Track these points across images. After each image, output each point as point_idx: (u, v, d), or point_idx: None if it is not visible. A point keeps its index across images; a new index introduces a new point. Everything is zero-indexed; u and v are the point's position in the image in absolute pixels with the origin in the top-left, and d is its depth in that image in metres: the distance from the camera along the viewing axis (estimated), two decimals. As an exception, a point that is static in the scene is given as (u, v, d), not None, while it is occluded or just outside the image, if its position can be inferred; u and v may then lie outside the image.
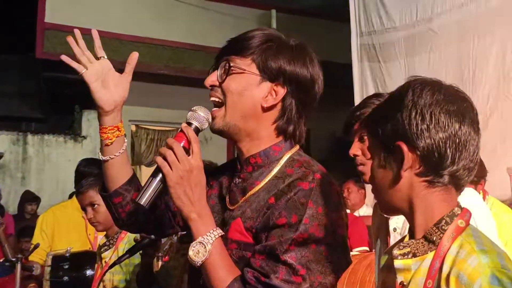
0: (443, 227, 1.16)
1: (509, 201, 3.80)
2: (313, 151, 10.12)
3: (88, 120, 9.86)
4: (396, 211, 1.27)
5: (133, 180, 1.69)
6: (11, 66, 11.74)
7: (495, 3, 4.36)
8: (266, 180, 1.47)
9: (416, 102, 1.17)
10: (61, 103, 10.57)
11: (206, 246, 1.36)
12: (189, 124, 1.45)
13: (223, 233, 1.42)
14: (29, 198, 7.15)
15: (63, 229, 4.03)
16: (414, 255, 1.19)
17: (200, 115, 1.46)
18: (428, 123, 1.15)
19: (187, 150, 1.40)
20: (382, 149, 1.21)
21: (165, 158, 1.38)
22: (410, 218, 1.22)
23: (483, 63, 4.34)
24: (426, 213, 1.19)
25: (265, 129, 1.50)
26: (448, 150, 1.15)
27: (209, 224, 1.40)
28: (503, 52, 4.22)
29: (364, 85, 5.84)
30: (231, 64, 1.48)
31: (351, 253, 3.72)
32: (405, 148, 1.17)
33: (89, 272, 3.23)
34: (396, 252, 1.21)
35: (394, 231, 1.97)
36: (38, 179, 9.30)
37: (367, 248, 4.35)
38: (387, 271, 1.30)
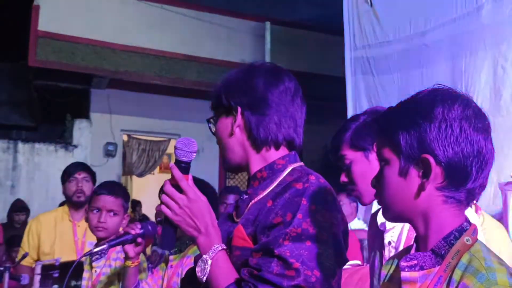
0: (452, 241, 1.16)
1: (500, 216, 3.81)
2: (305, 164, 10.09)
3: (80, 129, 9.81)
4: (404, 220, 1.26)
5: None
6: (2, 74, 11.69)
7: (487, 19, 4.39)
8: (269, 189, 1.52)
9: (446, 114, 1.15)
10: (52, 111, 10.53)
11: (206, 262, 1.44)
12: (178, 162, 1.53)
13: (224, 247, 1.47)
14: (18, 208, 7.08)
15: (49, 233, 4.00)
16: (422, 268, 1.18)
17: (184, 151, 1.53)
18: (457, 137, 1.14)
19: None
20: (403, 158, 1.18)
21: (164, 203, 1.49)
22: (420, 229, 1.21)
23: (475, 79, 4.36)
24: (437, 226, 1.18)
25: (249, 152, 1.59)
26: (474, 167, 1.15)
27: (214, 242, 1.47)
28: (494, 68, 4.25)
29: (357, 99, 5.84)
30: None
31: (343, 266, 3.72)
32: (432, 161, 1.15)
33: (78, 282, 3.19)
34: (403, 263, 1.20)
35: (389, 245, 1.97)
36: (28, 187, 9.22)
37: (359, 262, 4.33)
38: (390, 282, 1.30)
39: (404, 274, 1.19)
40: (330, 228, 1.41)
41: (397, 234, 1.96)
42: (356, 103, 5.84)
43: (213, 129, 1.66)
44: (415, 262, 1.19)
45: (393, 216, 1.25)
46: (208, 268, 1.43)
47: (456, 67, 4.59)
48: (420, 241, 1.22)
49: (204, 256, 1.46)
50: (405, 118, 1.19)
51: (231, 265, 1.45)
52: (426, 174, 1.16)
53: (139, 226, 2.31)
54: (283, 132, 1.58)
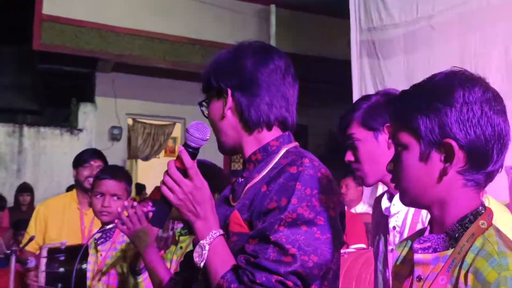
0: (466, 225, 1.15)
1: (507, 201, 3.80)
2: (310, 148, 10.13)
3: (85, 113, 9.82)
4: (420, 205, 1.25)
5: None
6: (7, 58, 11.69)
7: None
8: (264, 173, 1.51)
9: (467, 98, 1.14)
10: (57, 95, 10.54)
11: (204, 248, 1.43)
12: (186, 146, 1.50)
13: (222, 232, 1.46)
14: (22, 189, 7.12)
15: (57, 219, 4.02)
16: (435, 250, 1.18)
17: (195, 137, 1.50)
18: (478, 120, 1.13)
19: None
20: (423, 143, 1.17)
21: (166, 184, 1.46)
22: (436, 213, 1.20)
23: (485, 60, 4.32)
24: (453, 209, 1.17)
25: (241, 134, 1.57)
26: (495, 150, 1.14)
27: (211, 227, 1.45)
28: (505, 48, 4.20)
29: (363, 82, 5.82)
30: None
31: (348, 250, 3.73)
32: (455, 146, 1.14)
33: (84, 266, 3.21)
34: (416, 245, 1.20)
35: (394, 229, 1.96)
36: (33, 171, 9.26)
37: (364, 246, 4.35)
38: (402, 264, 1.29)
39: (417, 256, 1.19)
40: (326, 212, 1.39)
41: (402, 218, 1.95)
42: (362, 86, 5.82)
43: (206, 113, 1.63)
44: (429, 244, 1.19)
45: (411, 201, 1.24)
46: (206, 254, 1.42)
47: (465, 49, 4.55)
48: (434, 223, 1.22)
49: (201, 241, 1.44)
50: (423, 102, 1.17)
51: (229, 251, 1.44)
52: (448, 158, 1.15)
53: (150, 203, 2.31)
54: (275, 112, 1.55)
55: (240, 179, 1.58)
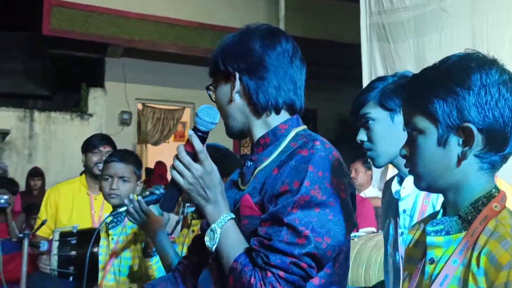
0: (479, 207, 1.15)
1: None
2: (319, 132, 10.01)
3: (95, 98, 9.86)
4: (437, 190, 1.24)
5: None
6: (17, 44, 11.72)
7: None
8: (273, 156, 1.51)
9: (485, 80, 1.13)
10: (67, 80, 10.58)
11: (215, 232, 1.44)
12: (196, 130, 1.50)
13: (233, 216, 1.46)
14: (33, 173, 7.17)
15: (67, 204, 4.04)
16: (448, 233, 1.18)
17: (205, 121, 1.50)
18: (496, 102, 1.12)
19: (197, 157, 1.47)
20: (441, 128, 1.16)
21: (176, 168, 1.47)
22: (450, 196, 1.20)
23: (497, 43, 4.26)
24: (467, 192, 1.17)
25: (250, 118, 1.57)
26: None
27: (222, 211, 1.46)
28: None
29: (372, 66, 5.77)
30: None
31: (358, 233, 3.74)
32: (475, 130, 1.13)
33: (96, 249, 3.23)
34: (429, 228, 1.20)
35: (404, 213, 1.95)
36: (44, 156, 9.33)
37: (374, 229, 4.36)
38: (414, 247, 1.30)
39: (429, 239, 1.19)
40: (338, 194, 1.40)
41: (412, 202, 1.95)
42: (372, 70, 5.78)
43: (213, 97, 1.63)
44: (442, 227, 1.19)
45: (428, 185, 1.23)
46: (218, 238, 1.43)
47: (477, 32, 4.49)
48: (448, 206, 1.21)
49: (212, 225, 1.45)
50: (440, 86, 1.16)
51: (240, 235, 1.45)
52: (467, 142, 1.14)
53: (163, 186, 2.34)
54: (283, 95, 1.54)
55: (249, 163, 1.58)
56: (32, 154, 9.33)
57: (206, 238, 1.46)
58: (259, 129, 1.57)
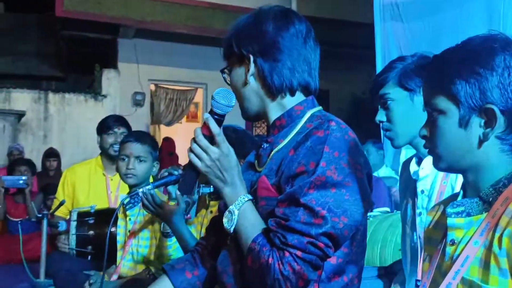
0: (500, 189, 1.15)
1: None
2: (332, 113, 10.00)
3: (108, 79, 9.88)
4: (457, 171, 1.25)
5: None
6: (30, 25, 11.75)
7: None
8: (289, 137, 1.52)
9: (508, 62, 1.13)
10: (80, 62, 10.60)
11: (233, 213, 1.45)
12: (212, 113, 1.51)
13: (250, 198, 1.48)
14: (48, 154, 7.21)
15: (84, 185, 4.09)
16: (468, 215, 1.18)
17: (221, 104, 1.51)
18: None
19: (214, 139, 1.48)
20: (463, 109, 1.16)
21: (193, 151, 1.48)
22: (470, 177, 1.20)
23: (513, 22, 4.21)
24: (488, 174, 1.17)
25: (265, 100, 1.58)
26: None
27: (239, 193, 1.48)
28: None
29: (386, 46, 5.72)
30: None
31: (372, 213, 3.75)
32: (497, 111, 1.13)
33: (113, 229, 3.27)
34: (449, 210, 1.20)
35: (422, 193, 1.95)
36: (59, 137, 9.40)
37: (388, 209, 4.36)
38: (434, 229, 1.31)
39: (450, 220, 1.19)
40: (355, 174, 1.41)
41: (431, 182, 1.95)
42: (385, 50, 5.73)
43: (228, 79, 1.64)
44: (462, 208, 1.19)
45: (447, 166, 1.23)
46: (236, 219, 1.45)
47: (493, 10, 4.43)
48: (468, 188, 1.22)
49: (230, 207, 1.46)
50: (462, 66, 1.16)
51: (258, 216, 1.46)
52: (489, 123, 1.14)
53: (181, 167, 2.37)
54: (298, 77, 1.54)
55: (265, 145, 1.59)
56: (47, 135, 9.40)
57: (224, 220, 1.48)
58: (274, 111, 1.58)
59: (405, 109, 1.95)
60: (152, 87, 10.64)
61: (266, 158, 1.56)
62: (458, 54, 1.19)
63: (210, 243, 1.75)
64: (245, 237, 1.44)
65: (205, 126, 1.48)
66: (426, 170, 1.95)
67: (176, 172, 2.37)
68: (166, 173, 2.46)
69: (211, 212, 2.66)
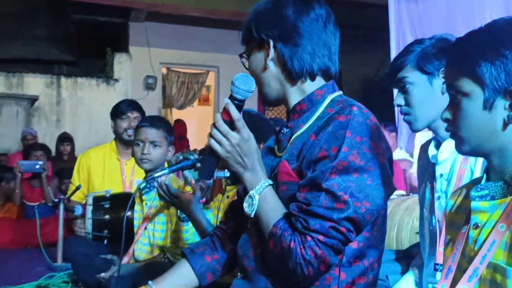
0: None
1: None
2: (344, 94, 9.98)
3: (120, 63, 9.89)
4: (481, 154, 1.23)
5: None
6: (41, 9, 11.73)
7: None
8: (310, 122, 1.52)
9: None
10: (92, 46, 10.60)
11: (254, 198, 1.46)
12: (232, 98, 1.51)
13: (271, 182, 1.48)
14: (62, 139, 7.26)
15: (98, 169, 4.11)
16: (492, 198, 1.17)
17: (241, 89, 1.51)
18: None
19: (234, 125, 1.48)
20: (487, 91, 1.15)
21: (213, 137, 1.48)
22: (495, 161, 1.19)
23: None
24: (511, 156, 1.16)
25: (285, 85, 1.58)
26: None
27: (260, 178, 1.48)
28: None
29: (400, 27, 5.68)
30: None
31: (388, 196, 3.75)
32: None
33: (129, 213, 3.29)
34: (473, 193, 1.19)
35: (441, 177, 1.94)
36: (72, 121, 9.44)
37: (403, 192, 4.36)
38: (456, 213, 1.30)
39: (474, 204, 1.19)
40: (376, 158, 1.41)
41: (449, 166, 1.93)
42: (399, 32, 5.69)
43: (246, 64, 1.64)
44: (486, 192, 1.18)
45: (471, 150, 1.22)
46: (256, 204, 1.45)
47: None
48: (492, 171, 1.21)
49: (251, 192, 1.47)
50: (487, 49, 1.15)
51: (279, 201, 1.46)
52: None
53: (197, 152, 2.37)
54: (318, 61, 1.54)
55: (285, 130, 1.59)
56: (60, 119, 9.44)
57: (245, 204, 1.48)
58: (294, 96, 1.58)
59: (424, 92, 1.93)
60: (164, 70, 10.64)
61: (286, 143, 1.56)
62: (483, 36, 1.18)
63: (230, 228, 1.76)
64: (266, 222, 1.44)
65: (225, 111, 1.48)
66: (445, 154, 1.94)
67: (191, 157, 2.38)
68: (182, 157, 2.47)
69: (228, 197, 2.67)
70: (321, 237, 1.34)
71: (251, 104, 1.79)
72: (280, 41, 1.53)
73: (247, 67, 1.64)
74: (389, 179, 1.46)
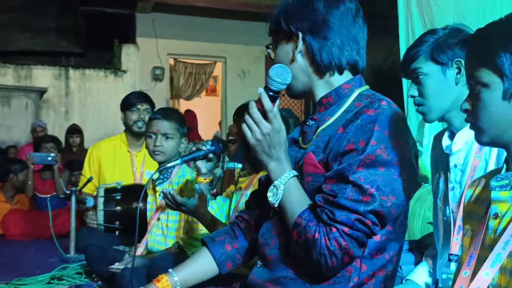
0: None
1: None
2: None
3: (128, 55, 9.89)
4: (501, 145, 1.23)
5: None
6: (48, 1, 11.73)
7: None
8: (337, 115, 1.53)
9: None
10: (99, 37, 10.60)
11: (279, 188, 1.47)
12: (267, 89, 1.51)
13: (296, 173, 1.49)
14: (71, 131, 7.28)
15: (109, 161, 4.13)
16: None
17: (275, 81, 1.51)
18: None
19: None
20: (507, 81, 1.15)
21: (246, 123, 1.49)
22: None
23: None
24: None
25: (312, 78, 1.58)
26: None
27: (285, 169, 1.49)
28: None
29: (409, 17, 5.63)
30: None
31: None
32: None
33: (141, 205, 3.30)
34: (494, 183, 1.20)
35: (455, 168, 1.94)
36: (81, 113, 9.46)
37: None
38: (475, 203, 1.30)
39: (494, 194, 1.19)
40: (403, 154, 1.41)
41: (464, 156, 1.93)
42: (408, 21, 5.63)
43: (272, 56, 1.65)
44: (507, 182, 1.18)
45: (490, 140, 1.22)
46: (281, 194, 1.46)
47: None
48: (511, 161, 1.21)
49: (275, 182, 1.47)
50: (507, 39, 1.15)
51: (303, 192, 1.47)
52: None
53: (210, 142, 2.38)
54: (346, 55, 1.55)
55: (310, 122, 1.60)
56: (68, 111, 9.47)
57: (269, 194, 1.49)
58: (321, 89, 1.58)
59: (438, 83, 1.92)
60: (171, 61, 10.64)
61: (311, 135, 1.57)
62: (502, 27, 1.18)
63: (252, 216, 1.77)
64: (290, 212, 1.45)
65: (259, 100, 1.49)
66: (459, 145, 1.94)
67: (204, 148, 2.38)
68: (194, 148, 2.48)
69: (240, 188, 2.68)
70: (346, 229, 1.34)
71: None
72: (309, 33, 1.54)
73: (273, 58, 1.65)
74: (415, 175, 1.47)
